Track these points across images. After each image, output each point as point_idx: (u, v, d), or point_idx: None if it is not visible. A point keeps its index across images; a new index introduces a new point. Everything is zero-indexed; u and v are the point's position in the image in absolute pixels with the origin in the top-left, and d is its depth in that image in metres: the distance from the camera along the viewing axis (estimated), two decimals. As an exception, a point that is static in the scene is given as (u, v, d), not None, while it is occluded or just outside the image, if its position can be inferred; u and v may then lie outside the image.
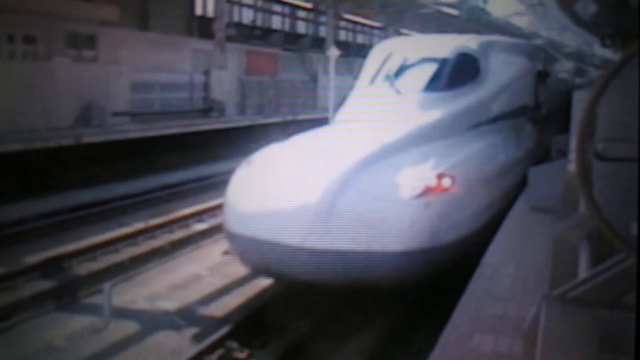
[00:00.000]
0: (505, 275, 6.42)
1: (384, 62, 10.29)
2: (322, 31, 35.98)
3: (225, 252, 10.94)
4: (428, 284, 7.49)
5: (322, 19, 35.68)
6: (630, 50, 2.34)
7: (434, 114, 9.41)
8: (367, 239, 7.06)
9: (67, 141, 14.47)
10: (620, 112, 2.95)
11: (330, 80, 18.57)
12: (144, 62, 19.31)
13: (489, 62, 10.74)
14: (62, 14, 17.10)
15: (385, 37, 36.77)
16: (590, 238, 3.31)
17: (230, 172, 17.65)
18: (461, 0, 36.31)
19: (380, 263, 7.05)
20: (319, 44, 33.75)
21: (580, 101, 9.92)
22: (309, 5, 35.04)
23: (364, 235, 7.06)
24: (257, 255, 7.59)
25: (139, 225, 12.19)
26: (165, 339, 7.56)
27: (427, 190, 7.39)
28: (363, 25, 43.57)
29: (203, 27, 25.55)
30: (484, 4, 39.82)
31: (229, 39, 22.93)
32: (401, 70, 10.06)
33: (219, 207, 13.90)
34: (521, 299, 5.61)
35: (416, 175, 7.53)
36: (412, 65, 10.18)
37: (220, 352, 7.03)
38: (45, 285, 9.02)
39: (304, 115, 24.87)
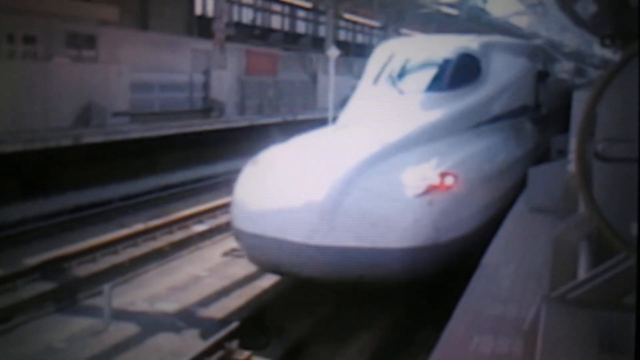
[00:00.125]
0: (505, 276, 6.41)
1: (387, 62, 10.39)
2: (322, 31, 35.97)
3: (225, 254, 10.95)
4: (431, 280, 7.64)
5: (322, 18, 35.67)
6: (630, 50, 2.33)
7: (436, 114, 9.52)
8: (371, 236, 7.21)
9: (67, 141, 14.46)
10: (620, 112, 2.95)
11: (330, 80, 18.55)
12: (144, 62, 19.29)
13: (490, 62, 10.83)
14: (62, 13, 17.09)
15: (385, 36, 36.78)
16: (590, 238, 3.30)
17: (229, 173, 17.68)
18: (461, 0, 36.30)
19: (385, 259, 7.22)
20: (318, 43, 33.75)
21: (580, 101, 9.94)
22: (308, 5, 35.03)
23: (369, 232, 7.22)
24: (264, 252, 7.76)
25: (139, 226, 12.19)
26: (165, 340, 7.56)
27: (430, 189, 7.57)
28: (363, 25, 43.56)
29: (203, 27, 25.54)
30: (484, 3, 39.81)
31: (229, 38, 22.92)
32: (403, 70, 10.16)
33: (218, 208, 13.94)
34: (521, 299, 5.61)
35: (419, 174, 7.70)
36: (415, 65, 10.27)
37: (220, 353, 7.03)
38: (45, 286, 9.02)
39: (303, 115, 24.87)
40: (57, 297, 8.71)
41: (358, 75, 32.30)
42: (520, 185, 9.81)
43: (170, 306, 8.58)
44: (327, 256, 7.21)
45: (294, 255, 7.32)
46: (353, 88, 28.28)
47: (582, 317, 2.56)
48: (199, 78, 21.48)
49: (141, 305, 8.61)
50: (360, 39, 44.36)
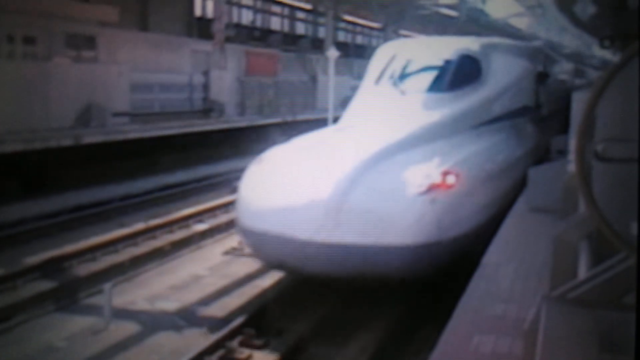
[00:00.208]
0: (505, 276, 6.43)
1: (389, 63, 10.48)
2: (322, 32, 35.99)
3: (226, 253, 10.97)
4: (433, 277, 7.79)
5: (321, 20, 35.68)
6: (630, 51, 2.35)
7: (438, 114, 9.62)
8: (375, 233, 7.36)
9: (67, 141, 14.47)
10: (619, 113, 2.96)
11: (329, 81, 18.56)
12: (144, 62, 19.30)
13: (490, 64, 10.92)
14: (62, 14, 17.09)
15: (384, 38, 36.79)
16: (590, 238, 3.31)
17: (230, 173, 17.71)
18: (460, 1, 36.31)
19: (388, 256, 7.36)
20: (318, 44, 33.76)
21: (579, 102, 9.95)
22: (308, 6, 35.05)
23: (373, 230, 7.37)
24: (269, 249, 7.92)
25: (139, 225, 12.20)
26: (165, 339, 7.57)
27: (433, 187, 7.71)
28: (362, 26, 43.57)
29: (202, 28, 25.56)
30: (483, 5, 39.84)
31: (229, 39, 22.93)
32: (405, 71, 10.25)
33: (219, 207, 13.96)
34: (521, 299, 5.62)
35: (422, 173, 7.84)
36: (416, 66, 10.35)
37: (220, 352, 7.04)
38: (45, 286, 9.02)
39: (303, 115, 24.89)
40: (57, 296, 8.71)
41: (357, 76, 32.40)
42: (520, 185, 9.88)
43: (170, 305, 8.59)
44: (332, 253, 7.37)
45: (299, 252, 7.47)
46: (353, 88, 28.35)
47: (582, 317, 2.57)
48: (198, 79, 21.50)
49: (141, 305, 8.61)
50: (359, 40, 44.39)
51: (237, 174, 18.28)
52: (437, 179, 7.81)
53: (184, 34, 25.26)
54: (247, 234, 8.24)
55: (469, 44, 11.23)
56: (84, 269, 9.83)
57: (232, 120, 21.78)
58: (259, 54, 26.50)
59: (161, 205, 14.38)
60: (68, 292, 8.90)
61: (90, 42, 17.87)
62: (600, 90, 2.31)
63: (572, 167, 5.35)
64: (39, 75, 15.21)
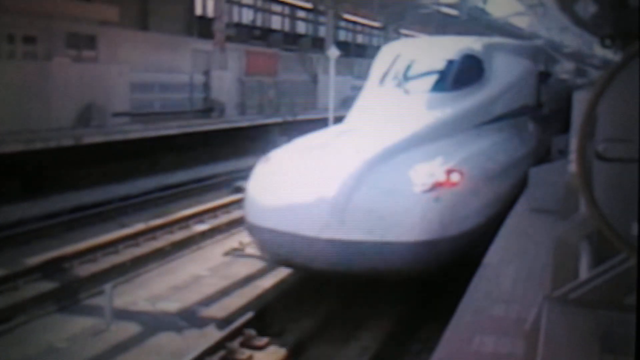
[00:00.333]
0: (506, 276, 6.42)
1: (392, 63, 10.61)
2: (322, 31, 35.96)
3: (226, 253, 10.96)
4: (437, 273, 7.95)
5: (322, 19, 35.66)
6: (631, 50, 2.34)
7: (441, 113, 9.79)
8: (380, 230, 7.53)
9: (68, 142, 14.46)
10: (620, 113, 2.95)
11: (330, 81, 18.55)
12: (144, 62, 19.29)
13: (493, 63, 11.05)
14: (62, 14, 17.09)
15: (385, 37, 36.78)
16: (591, 239, 3.30)
17: (230, 173, 17.69)
18: (461, 1, 36.28)
19: (393, 253, 7.53)
20: (318, 44, 33.73)
21: (580, 101, 9.95)
22: (308, 5, 35.02)
23: (378, 226, 7.54)
24: (276, 246, 8.10)
25: (140, 226, 12.20)
26: (166, 340, 7.57)
27: (437, 185, 7.88)
28: (363, 25, 43.55)
29: (203, 27, 25.54)
30: (484, 4, 39.80)
31: (229, 39, 22.92)
32: (409, 71, 10.37)
33: (219, 208, 13.95)
34: (522, 299, 5.61)
35: (426, 171, 8.01)
36: (419, 66, 10.47)
37: (222, 353, 7.03)
38: (46, 286, 9.02)
39: (304, 115, 24.89)
40: (58, 296, 8.71)
41: (358, 76, 32.35)
42: (522, 183, 9.93)
43: (171, 306, 8.59)
44: (338, 249, 7.53)
45: (306, 248, 7.65)
46: (353, 88, 28.28)
47: (583, 317, 2.57)
48: (199, 78, 21.49)
49: (142, 305, 8.61)
50: (360, 39, 44.36)
51: (238, 174, 18.38)
52: (441, 177, 7.97)
53: (184, 34, 25.24)
54: (255, 231, 8.41)
55: (472, 43, 11.34)
56: (84, 270, 9.83)
57: (233, 120, 21.77)
58: (259, 54, 26.48)
59: (162, 206, 14.39)
60: (69, 292, 8.89)
61: (90, 41, 17.86)
62: (601, 90, 2.30)
63: (573, 167, 5.33)
64: (39, 75, 15.21)
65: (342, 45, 27.39)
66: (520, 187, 9.99)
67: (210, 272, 10.05)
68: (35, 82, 14.93)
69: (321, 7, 32.96)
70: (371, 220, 7.56)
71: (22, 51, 15.94)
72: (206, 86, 21.60)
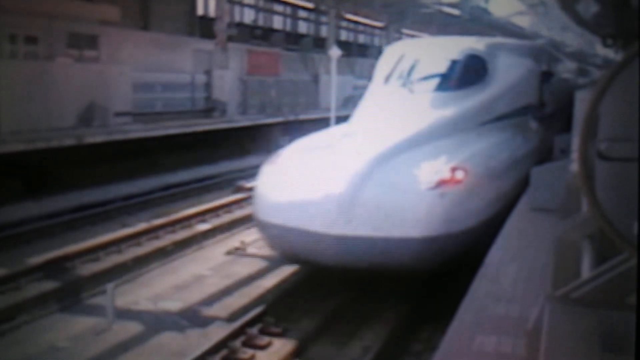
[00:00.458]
0: (508, 276, 6.42)
1: (397, 63, 10.76)
2: (324, 31, 35.96)
3: (228, 253, 10.98)
4: (442, 268, 8.10)
5: (324, 18, 35.66)
6: (633, 49, 2.34)
7: (446, 112, 9.95)
8: (387, 226, 7.75)
9: (69, 141, 14.47)
10: (622, 112, 2.95)
11: (331, 80, 18.56)
12: (146, 62, 19.30)
13: (496, 63, 11.18)
14: (64, 14, 17.10)
15: (387, 37, 36.76)
16: (592, 238, 3.30)
17: (232, 172, 17.68)
18: (462, 0, 36.25)
19: (399, 248, 7.74)
20: (320, 43, 33.73)
21: (582, 101, 9.96)
22: (310, 5, 35.02)
23: (384, 223, 7.76)
24: (285, 241, 8.36)
25: (142, 225, 12.21)
26: (168, 339, 7.57)
27: (442, 182, 8.07)
28: (364, 25, 43.53)
29: (204, 27, 25.55)
30: (486, 3, 39.77)
31: (231, 39, 22.92)
32: (413, 70, 10.51)
33: (221, 207, 13.97)
34: (524, 299, 5.61)
35: (431, 168, 8.21)
36: (424, 66, 10.61)
37: (224, 352, 7.04)
38: (48, 286, 9.03)
39: (305, 115, 24.89)
40: (60, 296, 8.72)
41: (360, 75, 32.26)
42: (524, 181, 9.98)
43: (173, 305, 8.59)
44: (345, 245, 7.72)
45: (314, 244, 7.86)
46: (355, 88, 28.22)
47: (585, 317, 2.57)
48: (200, 78, 21.50)
49: (145, 305, 8.62)
50: (361, 39, 44.34)
51: (240, 174, 18.37)
52: (446, 174, 8.16)
53: (186, 33, 25.23)
54: (264, 227, 8.63)
55: (475, 43, 11.52)
56: (86, 269, 9.84)
57: (234, 119, 21.77)
58: (261, 53, 26.48)
59: (164, 205, 14.40)
60: (71, 292, 8.90)
61: (92, 41, 17.87)
62: (602, 89, 2.30)
63: (574, 166, 5.34)
64: (41, 75, 15.22)
65: (343, 45, 27.40)
66: (522, 186, 10.07)
67: (212, 272, 10.06)
68: (37, 82, 14.94)
69: (323, 7, 32.96)
70: (378, 216, 7.76)
71: (23, 51, 15.95)
72: (208, 86, 21.62)
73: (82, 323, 7.97)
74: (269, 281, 9.55)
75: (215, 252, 11.11)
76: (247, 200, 14.79)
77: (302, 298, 8.70)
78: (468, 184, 8.31)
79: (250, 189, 15.64)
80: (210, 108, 21.44)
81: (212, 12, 26.44)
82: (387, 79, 10.65)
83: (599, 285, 2.64)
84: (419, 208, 7.89)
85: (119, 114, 17.25)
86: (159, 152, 17.75)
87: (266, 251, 10.73)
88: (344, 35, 40.05)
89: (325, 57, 25.79)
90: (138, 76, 18.23)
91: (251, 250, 11.03)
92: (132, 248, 11.01)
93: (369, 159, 8.25)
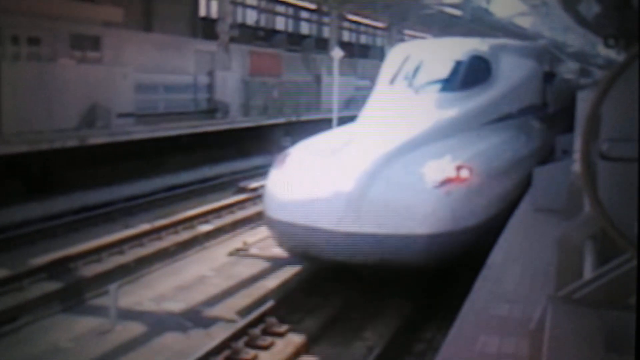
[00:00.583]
0: (511, 276, 6.42)
1: (402, 64, 10.92)
2: (326, 32, 35.96)
3: (231, 254, 10.98)
4: (447, 265, 8.27)
5: (326, 19, 35.66)
6: (634, 50, 2.35)
7: (450, 112, 10.12)
8: (394, 223, 7.95)
9: (72, 142, 14.49)
10: (624, 112, 2.95)
11: (334, 81, 18.55)
12: (148, 63, 19.31)
13: (500, 64, 11.33)
14: (66, 15, 17.11)
15: (389, 37, 36.74)
16: (595, 238, 3.31)
17: (234, 173, 17.68)
18: (464, 1, 36.22)
19: (406, 245, 7.89)
20: (322, 44, 33.72)
21: (584, 101, 9.97)
22: (312, 6, 35.01)
23: (392, 220, 7.95)
24: (294, 238, 8.56)
25: (145, 226, 12.22)
26: (171, 340, 7.58)
27: (448, 180, 8.25)
28: (366, 26, 43.52)
29: (207, 28, 25.55)
30: (487, 4, 39.74)
31: (233, 40, 22.93)
32: (419, 71, 10.67)
33: (224, 208, 13.97)
34: (526, 299, 5.61)
35: (437, 167, 8.40)
36: (429, 67, 10.77)
37: (226, 353, 7.04)
38: (51, 286, 9.04)
39: (307, 116, 24.89)
40: (63, 297, 8.74)
41: (362, 76, 32.20)
42: (527, 181, 10.04)
43: (176, 306, 8.60)
44: (353, 242, 7.91)
45: (323, 240, 8.03)
46: (357, 89, 28.17)
47: (588, 317, 2.57)
48: (203, 79, 21.50)
49: (147, 305, 8.63)
50: (364, 39, 44.32)
51: (242, 175, 18.37)
52: (451, 173, 8.34)
53: (188, 34, 25.24)
54: (274, 224, 8.81)
55: (479, 44, 11.68)
56: (89, 270, 9.85)
57: (237, 120, 21.79)
58: (263, 54, 26.49)
59: (166, 206, 14.41)
60: (74, 293, 8.91)
61: (94, 42, 17.88)
62: (605, 89, 2.31)
63: (577, 166, 5.34)
64: (43, 76, 15.23)
65: (345, 46, 27.41)
66: (525, 185, 10.14)
67: (214, 272, 10.07)
68: (40, 83, 14.95)
69: (325, 8, 32.95)
70: (385, 214, 7.93)
71: (26, 52, 15.97)
72: (210, 87, 21.62)
73: (84, 324, 7.98)
74: (272, 282, 9.55)
75: (217, 253, 11.12)
76: (249, 201, 14.81)
77: (304, 298, 8.71)
78: (473, 183, 8.48)
79: (253, 190, 15.71)
80: (213, 109, 21.45)
81: (214, 13, 26.45)
82: (393, 79, 10.80)
83: (601, 285, 2.65)
84: (425, 206, 8.07)
85: (121, 115, 17.26)
86: (162, 153, 17.78)
87: (269, 252, 10.75)
88: (346, 36, 40.04)
89: (327, 58, 25.78)
90: (141, 77, 18.24)
91: (254, 250, 11.04)
92: (135, 249, 11.01)
93: (376, 158, 8.42)
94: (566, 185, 6.75)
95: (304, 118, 24.47)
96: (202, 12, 27.37)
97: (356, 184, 8.10)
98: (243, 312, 8.32)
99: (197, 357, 6.74)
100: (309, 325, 7.89)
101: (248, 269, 10.15)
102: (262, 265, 10.31)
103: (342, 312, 8.35)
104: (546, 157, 12.02)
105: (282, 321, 7.89)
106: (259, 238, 11.60)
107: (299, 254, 9.09)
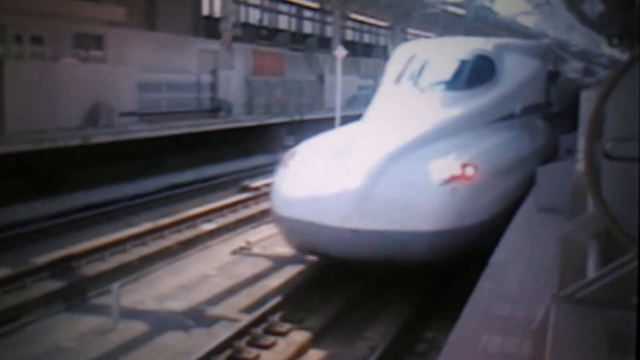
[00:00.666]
0: (514, 276, 6.40)
1: (407, 63, 10.98)
2: (329, 31, 35.95)
3: (234, 252, 10.98)
4: (453, 261, 8.34)
5: (329, 18, 35.65)
6: (638, 49, 2.34)
7: (455, 111, 10.20)
8: (401, 220, 8.04)
9: (75, 141, 14.51)
10: (628, 111, 2.94)
11: (337, 80, 18.54)
12: (151, 62, 19.33)
13: (504, 63, 11.38)
14: (70, 14, 17.13)
15: (392, 36, 36.73)
16: (598, 238, 3.29)
17: (237, 172, 17.70)
18: (468, 0, 36.21)
19: (413, 241, 8.05)
20: (325, 43, 33.72)
21: (587, 100, 9.97)
22: (315, 5, 35.01)
23: (398, 217, 8.05)
24: (302, 235, 8.67)
25: (148, 225, 12.22)
26: (173, 339, 7.58)
27: (453, 178, 8.36)
28: (370, 24, 43.51)
29: (210, 27, 25.56)
30: (491, 3, 39.73)
31: (236, 39, 22.93)
32: (424, 70, 10.73)
33: (226, 207, 13.97)
34: (529, 299, 5.59)
35: (443, 165, 8.51)
36: (434, 66, 10.84)
37: (228, 352, 7.04)
38: (54, 285, 9.05)
39: (310, 115, 24.88)
40: (66, 295, 8.74)
41: (365, 75, 32.20)
42: (531, 179, 10.04)
43: (179, 305, 8.60)
44: (361, 238, 8.00)
45: (330, 237, 8.15)
46: (360, 88, 28.21)
47: (591, 316, 2.56)
48: (206, 78, 21.52)
49: (150, 304, 8.63)
50: (367, 39, 44.30)
51: (245, 173, 18.36)
52: (456, 170, 8.44)
53: (191, 33, 25.26)
54: (282, 221, 8.93)
55: (484, 44, 11.74)
56: (92, 269, 9.85)
57: (240, 119, 21.80)
58: (266, 53, 26.50)
59: (169, 205, 14.42)
60: (77, 291, 8.92)
61: (98, 41, 17.90)
62: (608, 88, 2.30)
63: (580, 166, 5.32)
64: (46, 75, 15.25)
65: (348, 45, 27.40)
66: (528, 184, 10.16)
67: (217, 271, 10.07)
68: (43, 82, 14.97)
69: (328, 7, 32.95)
70: (392, 210, 8.03)
71: (29, 52, 15.99)
72: (213, 86, 21.64)
73: (87, 322, 7.99)
74: (274, 281, 9.55)
75: (220, 252, 11.12)
76: (252, 199, 14.82)
77: (307, 297, 8.71)
78: (478, 181, 8.58)
79: (256, 189, 15.72)
80: (216, 108, 21.46)
81: (217, 12, 26.45)
82: (398, 79, 10.87)
83: (605, 285, 2.64)
84: (431, 203, 8.18)
85: (124, 114, 17.27)
86: (165, 152, 17.79)
87: (271, 251, 10.76)
88: (349, 35, 40.03)
89: (331, 57, 25.78)
90: (144, 76, 18.26)
91: (256, 249, 11.04)
92: (138, 248, 11.01)
93: (383, 156, 8.54)
94: (570, 185, 6.72)
95: (307, 117, 24.46)
96: (205, 11, 27.38)
97: (363, 181, 8.20)
98: (245, 311, 8.31)
99: (199, 356, 6.74)
100: (312, 324, 7.88)
101: (251, 268, 10.16)
102: (264, 264, 10.31)
103: (344, 311, 8.34)
104: (550, 156, 12.05)
105: (284, 320, 7.89)
106: (261, 237, 11.60)
107: (306, 251, 9.18)
